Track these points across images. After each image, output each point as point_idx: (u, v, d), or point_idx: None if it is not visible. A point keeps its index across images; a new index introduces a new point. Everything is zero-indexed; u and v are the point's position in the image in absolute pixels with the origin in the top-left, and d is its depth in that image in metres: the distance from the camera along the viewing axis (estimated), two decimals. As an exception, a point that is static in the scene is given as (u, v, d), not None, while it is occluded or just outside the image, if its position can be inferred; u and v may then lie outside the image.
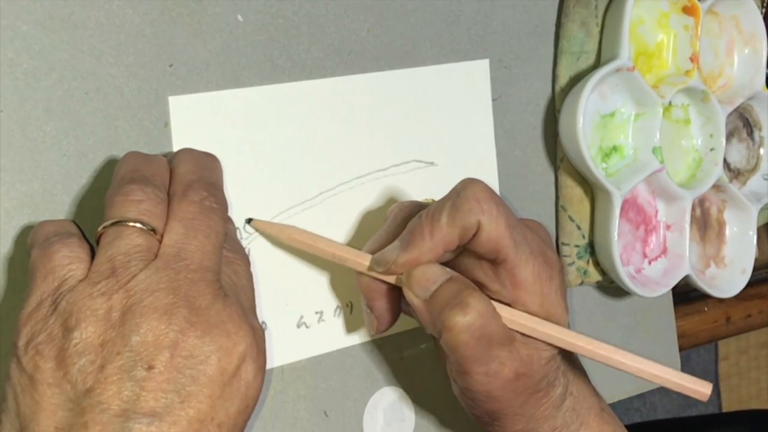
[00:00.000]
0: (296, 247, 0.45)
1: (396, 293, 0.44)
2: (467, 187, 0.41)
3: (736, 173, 0.61)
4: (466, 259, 0.43)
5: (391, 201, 0.49)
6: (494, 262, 0.41)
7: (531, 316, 0.42)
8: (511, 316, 0.41)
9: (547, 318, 0.42)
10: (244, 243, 0.44)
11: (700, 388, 0.41)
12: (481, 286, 0.42)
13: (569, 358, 0.45)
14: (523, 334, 0.42)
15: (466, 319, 0.39)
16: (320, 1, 0.46)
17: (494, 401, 0.41)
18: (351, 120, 0.48)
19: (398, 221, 0.44)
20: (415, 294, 0.41)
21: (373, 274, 0.43)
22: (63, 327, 0.34)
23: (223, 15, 0.44)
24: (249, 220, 0.45)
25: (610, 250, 0.53)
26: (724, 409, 1.80)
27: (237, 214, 0.44)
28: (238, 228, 0.44)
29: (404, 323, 0.47)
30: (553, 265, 0.42)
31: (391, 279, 0.42)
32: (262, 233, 0.45)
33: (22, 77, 0.39)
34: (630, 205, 0.55)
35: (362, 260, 0.43)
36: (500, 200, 0.41)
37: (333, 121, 0.47)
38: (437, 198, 0.43)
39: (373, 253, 0.43)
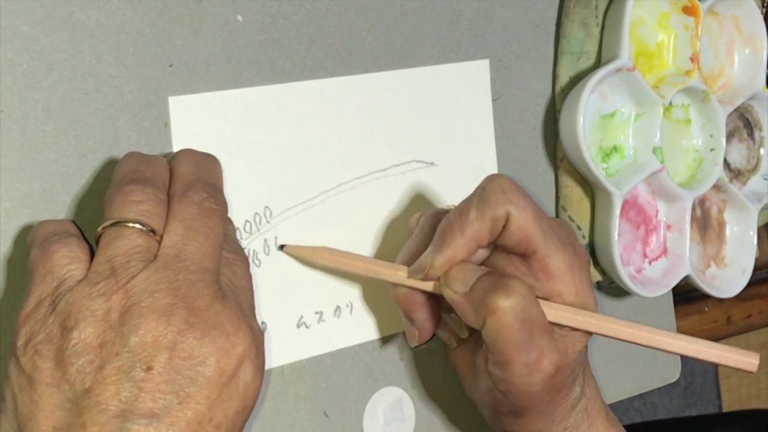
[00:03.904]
0: (329, 267, 0.45)
1: (434, 302, 0.44)
2: (492, 180, 0.42)
3: (736, 173, 0.61)
4: (497, 257, 0.43)
5: (391, 201, 0.49)
6: (525, 255, 0.42)
7: (569, 307, 0.42)
8: (551, 309, 0.41)
9: (583, 308, 0.42)
10: (244, 244, 0.44)
11: (748, 359, 0.42)
12: None
13: (585, 358, 0.45)
14: (561, 326, 0.42)
15: (510, 301, 0.39)
16: (320, 1, 0.46)
17: (528, 397, 0.41)
18: (351, 120, 0.48)
19: (425, 231, 0.44)
20: (454, 290, 0.41)
21: (411, 282, 0.43)
22: (62, 327, 0.34)
23: (223, 15, 0.44)
24: (281, 247, 0.45)
25: (611, 250, 0.53)
26: (724, 409, 1.80)
27: (237, 214, 0.44)
28: (237, 228, 0.44)
29: (404, 323, 0.47)
30: (582, 256, 0.43)
31: (429, 286, 0.43)
32: (295, 257, 0.46)
33: (22, 77, 0.39)
34: (630, 205, 0.55)
35: (398, 272, 0.43)
36: (526, 192, 0.41)
37: (333, 121, 0.47)
38: (452, 203, 0.43)
39: (407, 264, 0.43)
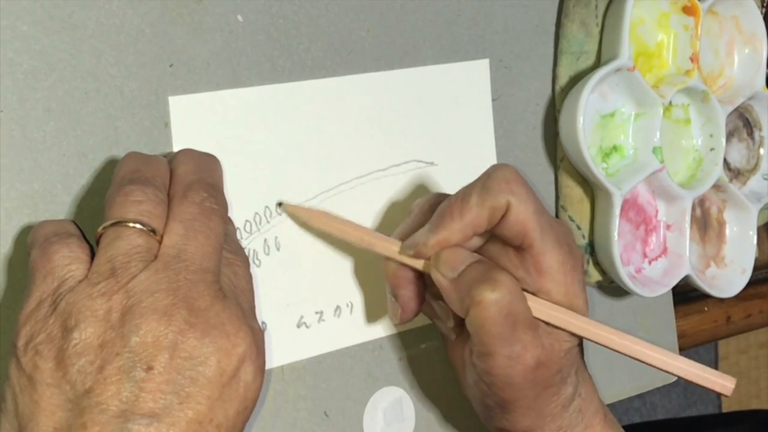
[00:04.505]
0: (324, 231, 0.45)
1: (421, 283, 0.44)
2: (498, 169, 0.42)
3: (736, 173, 0.61)
4: (492, 247, 0.43)
5: (391, 201, 0.49)
6: (520, 248, 0.42)
7: (557, 305, 0.42)
8: (537, 305, 0.42)
9: (570, 308, 0.42)
10: (244, 244, 0.44)
11: (724, 382, 0.42)
12: None
13: (581, 359, 0.45)
14: (546, 323, 0.42)
15: (495, 295, 0.39)
16: (320, 1, 0.46)
17: (511, 389, 0.41)
18: (351, 120, 0.48)
19: (425, 210, 0.44)
20: (443, 274, 0.41)
21: (402, 258, 0.43)
22: (62, 327, 0.34)
23: (223, 15, 0.44)
24: (280, 204, 0.45)
25: (610, 250, 0.53)
26: (724, 409, 1.80)
27: (237, 214, 0.44)
28: (238, 228, 0.44)
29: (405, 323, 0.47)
30: (577, 257, 0.43)
31: (419, 264, 0.43)
32: (292, 217, 0.45)
33: (22, 77, 0.39)
34: (630, 205, 0.55)
35: (391, 245, 0.43)
36: (529, 185, 0.42)
37: (333, 121, 0.47)
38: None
39: (401, 239, 0.43)
